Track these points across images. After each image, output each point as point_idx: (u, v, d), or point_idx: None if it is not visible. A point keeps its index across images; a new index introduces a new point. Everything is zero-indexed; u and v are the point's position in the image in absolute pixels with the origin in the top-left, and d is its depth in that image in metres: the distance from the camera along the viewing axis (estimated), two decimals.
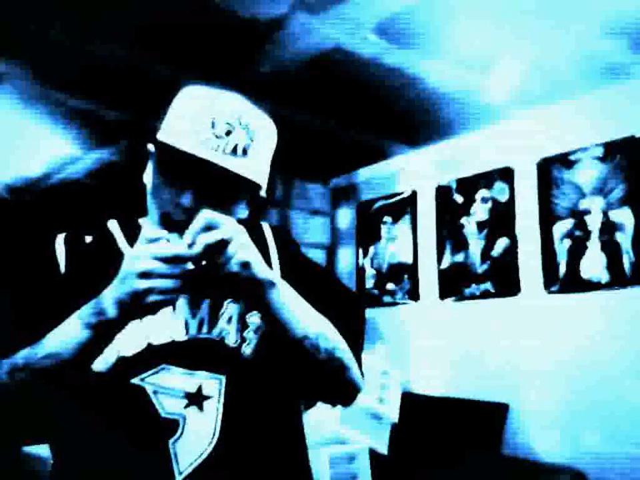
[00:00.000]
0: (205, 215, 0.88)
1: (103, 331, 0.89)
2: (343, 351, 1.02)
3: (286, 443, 1.05)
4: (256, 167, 0.99)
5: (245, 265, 0.89)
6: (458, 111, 3.32)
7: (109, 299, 0.87)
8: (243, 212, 1.05)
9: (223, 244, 0.87)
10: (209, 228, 0.88)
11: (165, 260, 0.85)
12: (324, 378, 1.03)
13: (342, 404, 1.13)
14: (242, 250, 0.89)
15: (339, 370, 1.02)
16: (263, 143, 1.01)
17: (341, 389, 1.07)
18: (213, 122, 0.95)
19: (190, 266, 0.89)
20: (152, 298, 0.85)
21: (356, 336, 1.11)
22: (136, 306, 0.86)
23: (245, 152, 0.96)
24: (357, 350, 1.08)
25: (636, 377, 2.79)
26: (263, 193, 1.05)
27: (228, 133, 0.95)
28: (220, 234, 0.87)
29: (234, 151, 0.95)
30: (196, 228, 0.87)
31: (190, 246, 0.87)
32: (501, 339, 3.36)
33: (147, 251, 0.86)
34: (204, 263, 0.90)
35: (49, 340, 0.91)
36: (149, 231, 0.92)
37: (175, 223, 0.95)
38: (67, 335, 0.89)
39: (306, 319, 0.98)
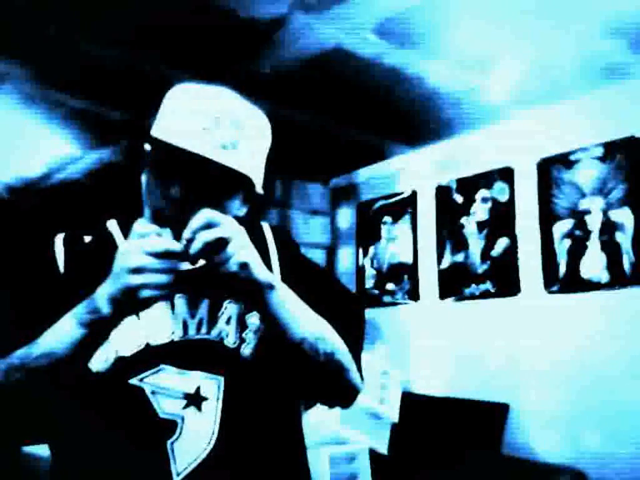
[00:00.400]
0: (205, 214, 0.88)
1: (98, 329, 0.89)
2: (342, 352, 1.02)
3: (285, 443, 1.04)
4: (246, 161, 0.98)
5: (244, 266, 0.89)
6: (458, 111, 3.31)
7: (102, 296, 0.87)
8: (239, 209, 1.05)
9: (221, 243, 0.87)
10: (208, 226, 0.87)
11: (157, 255, 0.85)
12: (323, 379, 1.03)
13: (341, 405, 1.13)
14: (241, 250, 0.89)
15: (338, 372, 1.01)
16: (254, 138, 1.00)
17: (340, 391, 1.07)
18: (203, 116, 0.95)
19: (188, 265, 0.88)
20: (145, 293, 0.84)
21: (356, 337, 1.11)
22: (130, 302, 0.86)
23: (234, 146, 0.96)
24: (356, 351, 1.08)
25: (636, 377, 2.79)
26: (259, 189, 1.04)
27: (217, 127, 0.95)
28: (219, 232, 0.87)
29: (224, 144, 0.95)
30: (195, 225, 0.87)
31: (188, 242, 0.86)
32: (501, 339, 3.36)
33: (138, 246, 0.86)
34: (202, 262, 0.89)
35: (44, 339, 0.91)
36: (140, 226, 0.92)
37: (166, 218, 0.95)
38: (62, 333, 0.89)
39: (304, 321, 0.98)
